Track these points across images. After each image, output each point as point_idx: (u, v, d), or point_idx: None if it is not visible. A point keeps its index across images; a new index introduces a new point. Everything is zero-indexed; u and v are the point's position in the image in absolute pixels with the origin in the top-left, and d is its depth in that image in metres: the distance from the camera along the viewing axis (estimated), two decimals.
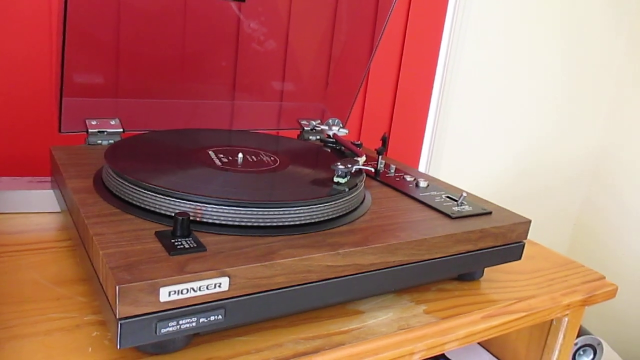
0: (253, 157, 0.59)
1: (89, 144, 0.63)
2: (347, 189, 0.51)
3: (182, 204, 0.45)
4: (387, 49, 1.06)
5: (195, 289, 0.37)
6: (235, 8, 0.72)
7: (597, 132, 1.57)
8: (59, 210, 0.62)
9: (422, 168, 1.22)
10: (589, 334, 0.97)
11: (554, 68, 1.38)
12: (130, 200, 0.47)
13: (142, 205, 0.46)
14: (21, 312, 0.44)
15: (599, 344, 0.98)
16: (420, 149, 1.20)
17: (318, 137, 0.81)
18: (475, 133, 1.30)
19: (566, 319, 0.61)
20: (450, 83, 1.17)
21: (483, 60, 1.23)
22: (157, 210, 0.45)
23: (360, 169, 0.56)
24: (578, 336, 0.94)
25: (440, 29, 1.13)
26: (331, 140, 0.72)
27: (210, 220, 0.45)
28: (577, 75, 1.45)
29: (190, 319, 0.38)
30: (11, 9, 0.72)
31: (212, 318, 0.39)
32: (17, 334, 0.41)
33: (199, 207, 0.45)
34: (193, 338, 0.42)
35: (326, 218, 0.49)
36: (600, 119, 1.56)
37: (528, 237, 0.58)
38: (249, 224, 0.45)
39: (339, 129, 0.74)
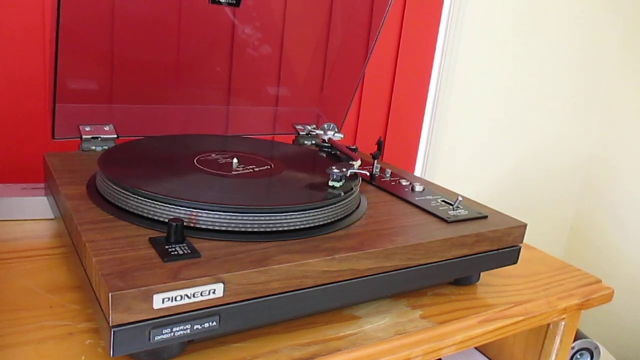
0: (248, 162, 0.58)
1: (82, 150, 0.63)
2: (342, 193, 0.51)
3: (176, 210, 0.45)
4: (382, 53, 1.06)
5: (190, 296, 0.37)
6: (229, 13, 0.72)
7: (590, 141, 1.58)
8: (52, 217, 0.61)
9: (417, 173, 1.22)
10: (586, 337, 0.97)
11: (548, 77, 1.39)
12: (124, 207, 0.47)
13: (136, 212, 0.46)
14: (14, 320, 0.43)
15: (596, 347, 0.98)
16: (416, 153, 1.20)
17: (313, 141, 0.81)
18: (471, 139, 1.30)
19: (563, 322, 0.61)
20: (445, 87, 1.18)
21: (478, 65, 1.24)
22: (151, 217, 0.45)
23: (355, 173, 0.56)
24: (575, 340, 0.94)
25: (435, 34, 1.13)
26: (326, 144, 0.72)
27: (205, 226, 0.44)
28: (571, 84, 1.45)
29: (185, 326, 0.37)
30: (3, 14, 0.71)
31: (207, 325, 0.38)
32: (9, 343, 0.40)
33: (193, 213, 0.44)
34: (187, 345, 0.42)
35: (322, 223, 0.49)
36: (593, 128, 1.56)
37: (524, 241, 0.58)
38: (244, 229, 0.45)
39: (334, 134, 0.74)
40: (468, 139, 1.30)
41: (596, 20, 1.42)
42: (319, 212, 0.48)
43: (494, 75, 1.28)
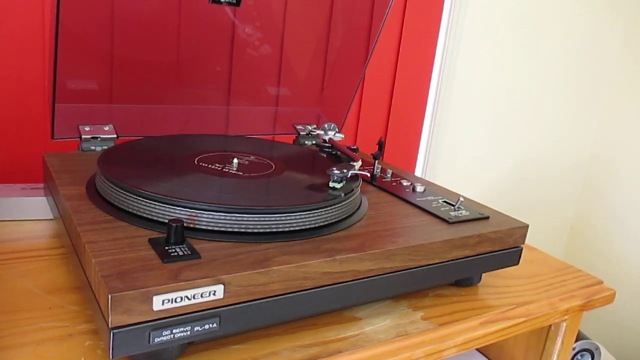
0: (248, 162, 0.58)
1: (82, 150, 0.63)
2: (343, 194, 0.51)
3: (176, 211, 0.44)
4: (383, 53, 1.06)
5: (190, 297, 0.36)
6: (230, 13, 0.72)
7: (590, 141, 1.57)
8: (52, 217, 0.61)
9: (418, 173, 1.22)
10: (586, 338, 0.97)
11: (549, 78, 1.39)
12: (124, 207, 0.46)
13: (136, 212, 0.45)
14: (13, 321, 0.43)
15: (597, 348, 0.98)
16: (416, 153, 1.20)
17: (314, 141, 0.80)
18: (471, 139, 1.30)
19: (564, 324, 0.61)
20: (445, 88, 1.17)
21: (478, 66, 1.23)
22: (151, 217, 0.45)
23: (356, 174, 0.56)
24: (576, 341, 0.93)
25: (436, 35, 1.13)
26: (327, 145, 0.71)
27: (205, 227, 0.44)
28: (571, 85, 1.45)
29: (185, 327, 0.37)
30: (3, 14, 0.71)
31: (207, 326, 0.38)
32: (8, 344, 0.40)
33: (193, 214, 0.44)
34: (187, 347, 0.42)
35: (322, 224, 0.48)
36: (593, 129, 1.56)
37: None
38: (244, 230, 0.45)
39: (334, 134, 0.73)
40: (468, 139, 1.29)
41: (596, 21, 1.42)
42: (320, 213, 0.48)
43: (494, 76, 1.28)
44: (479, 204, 0.61)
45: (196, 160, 0.57)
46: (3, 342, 0.40)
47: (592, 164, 1.58)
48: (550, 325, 0.62)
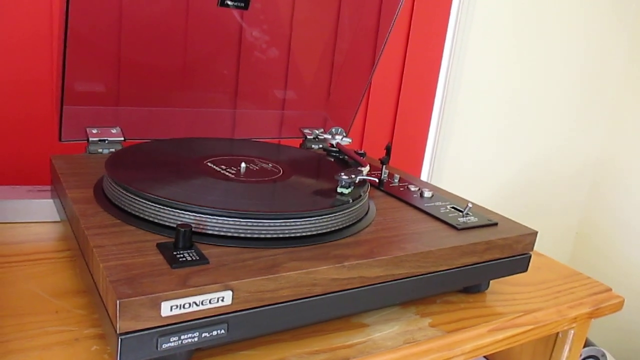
0: (256, 166, 0.58)
1: (89, 153, 0.63)
2: (351, 200, 0.51)
3: (184, 215, 0.44)
4: (390, 58, 1.06)
5: (198, 303, 0.36)
6: (237, 16, 0.72)
7: (597, 145, 1.56)
8: (58, 219, 0.61)
9: (424, 177, 1.22)
10: (592, 345, 0.96)
11: (555, 81, 1.38)
12: (132, 211, 0.46)
13: (144, 216, 0.45)
14: (18, 325, 0.43)
15: (603, 355, 0.97)
16: (422, 157, 1.19)
17: (321, 146, 0.80)
18: (477, 143, 1.29)
19: (572, 331, 0.60)
20: (452, 91, 1.17)
21: (485, 70, 1.23)
22: (159, 222, 0.45)
23: (364, 179, 0.55)
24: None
25: (443, 38, 1.13)
26: (334, 149, 0.71)
27: (213, 232, 0.44)
28: (577, 88, 1.45)
29: (193, 333, 0.37)
30: (11, 17, 0.71)
31: (215, 333, 0.38)
32: (14, 349, 0.40)
33: (201, 218, 0.44)
34: (195, 352, 0.41)
35: (331, 229, 0.48)
36: (599, 133, 1.55)
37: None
38: (253, 235, 0.44)
39: (342, 138, 0.73)
40: (474, 143, 1.29)
41: (603, 25, 1.41)
42: (328, 219, 0.48)
43: (501, 80, 1.27)
44: (487, 209, 0.61)
45: (203, 164, 0.56)
46: (9, 346, 0.40)
47: (597, 168, 1.58)
48: (557, 333, 0.61)
